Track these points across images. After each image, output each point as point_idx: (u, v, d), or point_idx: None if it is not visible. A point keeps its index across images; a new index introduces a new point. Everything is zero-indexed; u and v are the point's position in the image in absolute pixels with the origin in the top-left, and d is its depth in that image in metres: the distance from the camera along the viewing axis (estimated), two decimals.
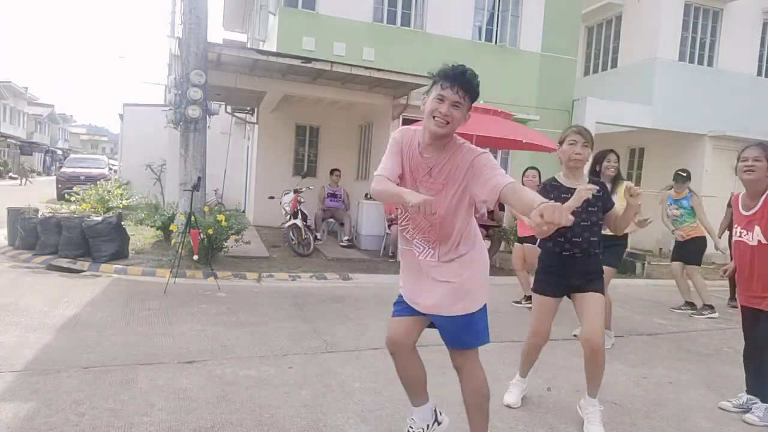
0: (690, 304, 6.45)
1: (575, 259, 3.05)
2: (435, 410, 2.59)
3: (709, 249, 6.45)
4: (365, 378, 3.51)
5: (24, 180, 26.67)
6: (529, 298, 6.08)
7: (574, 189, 2.99)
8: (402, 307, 2.41)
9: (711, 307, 6.22)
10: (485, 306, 2.33)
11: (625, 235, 4.87)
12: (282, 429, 2.74)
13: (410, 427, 2.54)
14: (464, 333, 2.31)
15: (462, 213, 2.19)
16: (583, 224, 3.01)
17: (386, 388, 3.36)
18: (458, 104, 2.09)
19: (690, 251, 6.27)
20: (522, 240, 5.92)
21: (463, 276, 2.24)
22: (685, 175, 6.24)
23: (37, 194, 14.99)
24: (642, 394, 3.62)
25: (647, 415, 3.29)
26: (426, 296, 2.29)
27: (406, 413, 3.01)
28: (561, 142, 3.11)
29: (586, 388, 3.04)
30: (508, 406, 3.23)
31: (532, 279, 5.80)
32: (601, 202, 3.07)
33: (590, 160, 3.18)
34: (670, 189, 6.37)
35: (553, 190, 3.08)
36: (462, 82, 2.09)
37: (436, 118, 2.09)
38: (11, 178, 27.29)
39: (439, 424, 2.59)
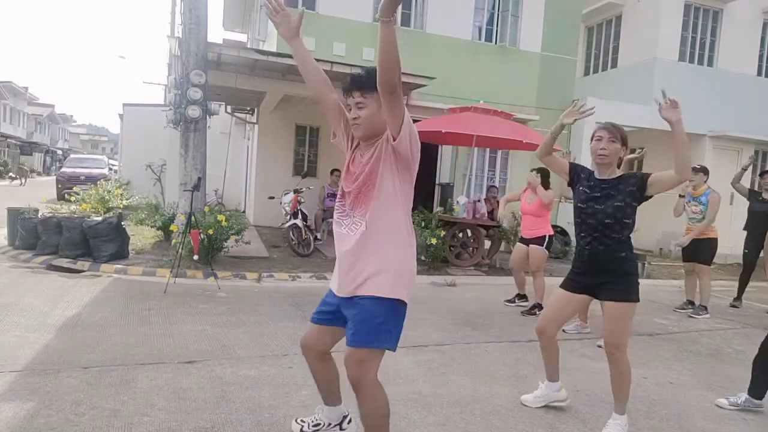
0: (690, 303, 6.49)
1: (594, 252, 2.94)
2: (345, 416, 2.61)
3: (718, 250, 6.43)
4: None
5: (23, 180, 26.66)
6: (522, 297, 6.10)
7: (601, 180, 2.95)
8: (318, 314, 2.38)
9: (705, 309, 6.27)
10: (397, 307, 2.16)
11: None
12: (282, 429, 2.74)
13: (315, 415, 2.64)
14: (360, 322, 2.12)
15: (382, 188, 2.16)
16: (607, 220, 2.89)
17: (386, 388, 3.34)
18: (361, 105, 2.18)
19: (702, 251, 6.23)
20: (526, 241, 5.87)
21: (369, 251, 2.15)
22: (699, 167, 6.22)
23: (37, 194, 14.99)
24: (642, 394, 3.62)
25: (647, 415, 3.29)
26: (340, 274, 2.24)
27: (405, 413, 3.02)
28: (591, 139, 3.02)
29: (586, 389, 3.04)
30: (522, 403, 3.25)
31: (530, 280, 5.87)
32: (631, 195, 2.86)
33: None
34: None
35: (582, 171, 3.07)
36: (352, 86, 2.19)
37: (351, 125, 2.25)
38: (11, 178, 27.27)
39: (341, 429, 2.59)
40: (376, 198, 2.16)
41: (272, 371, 3.51)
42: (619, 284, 2.88)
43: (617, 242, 2.90)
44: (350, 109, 2.21)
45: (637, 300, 2.90)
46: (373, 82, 2.12)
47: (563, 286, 3.14)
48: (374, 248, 2.16)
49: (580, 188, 3.02)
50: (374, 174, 2.16)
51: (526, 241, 5.85)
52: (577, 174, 3.09)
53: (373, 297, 2.13)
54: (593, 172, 3.04)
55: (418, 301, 6.05)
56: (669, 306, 6.61)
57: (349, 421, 2.63)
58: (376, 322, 2.11)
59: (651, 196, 2.86)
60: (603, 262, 2.94)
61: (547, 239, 5.73)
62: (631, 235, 2.96)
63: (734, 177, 7.11)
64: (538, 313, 5.76)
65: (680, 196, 6.31)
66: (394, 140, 2.11)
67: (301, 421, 2.66)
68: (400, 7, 10.40)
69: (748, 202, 7.14)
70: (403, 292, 2.17)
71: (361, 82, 2.19)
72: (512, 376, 3.76)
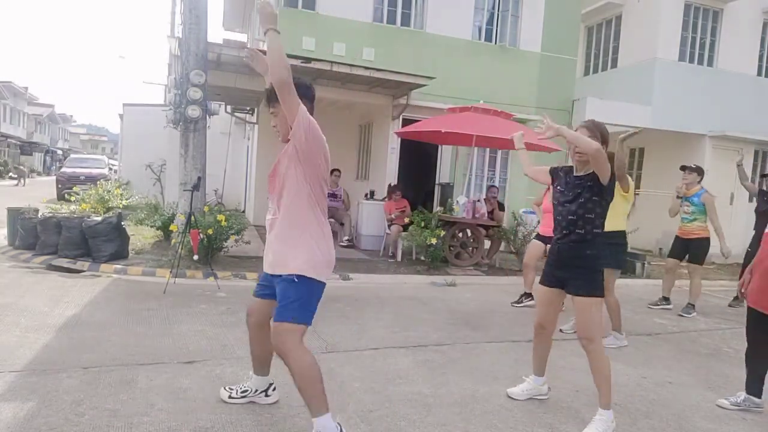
0: (665, 299, 6.52)
1: (562, 247, 3.08)
2: (270, 385, 3.01)
3: (712, 249, 6.42)
4: (365, 378, 3.51)
5: (21, 180, 26.59)
6: (529, 296, 6.07)
7: (576, 176, 3.07)
8: (259, 289, 2.80)
9: (693, 307, 6.29)
10: (309, 286, 2.51)
11: (623, 234, 4.80)
12: (282, 429, 2.74)
13: (243, 383, 3.00)
14: (279, 301, 2.51)
15: (288, 181, 2.52)
16: (570, 217, 3.01)
17: (386, 388, 3.36)
18: (274, 113, 2.59)
19: (693, 251, 6.23)
20: (546, 239, 5.64)
21: (283, 239, 2.54)
22: (694, 167, 6.19)
23: (37, 194, 14.99)
24: (642, 394, 3.62)
25: (647, 415, 3.29)
26: (265, 255, 2.66)
27: (405, 413, 3.02)
28: None
29: (586, 390, 3.05)
30: (508, 396, 3.34)
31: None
32: (590, 190, 2.97)
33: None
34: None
35: (562, 170, 3.20)
36: (265, 101, 2.63)
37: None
38: (11, 178, 27.26)
39: (266, 395, 2.99)
40: (283, 188, 2.54)
41: (272, 371, 3.49)
42: (583, 280, 3.00)
43: (583, 239, 3.01)
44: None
45: (602, 295, 3.04)
46: (275, 95, 2.46)
47: (541, 281, 3.27)
48: (284, 233, 2.53)
49: (558, 188, 3.18)
50: (279, 167, 2.55)
51: (546, 240, 5.64)
52: (557, 176, 3.24)
53: (289, 279, 2.48)
54: (571, 168, 3.16)
55: (418, 301, 6.05)
56: (672, 306, 6.58)
57: (274, 388, 3.01)
58: (289, 301, 2.48)
59: (608, 184, 2.96)
60: (570, 258, 3.06)
61: None
62: (598, 232, 3.02)
63: (740, 176, 7.10)
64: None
65: (677, 197, 6.28)
66: (290, 132, 2.45)
67: (230, 388, 3.00)
68: (400, 6, 10.52)
69: (752, 203, 7.13)
70: (311, 271, 2.50)
71: (268, 97, 2.58)
72: (512, 376, 3.75)
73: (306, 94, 2.57)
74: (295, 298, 2.48)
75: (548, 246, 5.61)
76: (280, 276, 2.53)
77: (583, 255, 3.01)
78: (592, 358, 2.99)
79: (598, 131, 3.05)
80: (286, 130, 2.55)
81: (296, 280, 2.48)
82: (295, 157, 2.49)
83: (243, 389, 2.97)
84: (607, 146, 3.08)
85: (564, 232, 3.06)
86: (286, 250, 2.51)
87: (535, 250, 5.91)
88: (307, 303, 2.52)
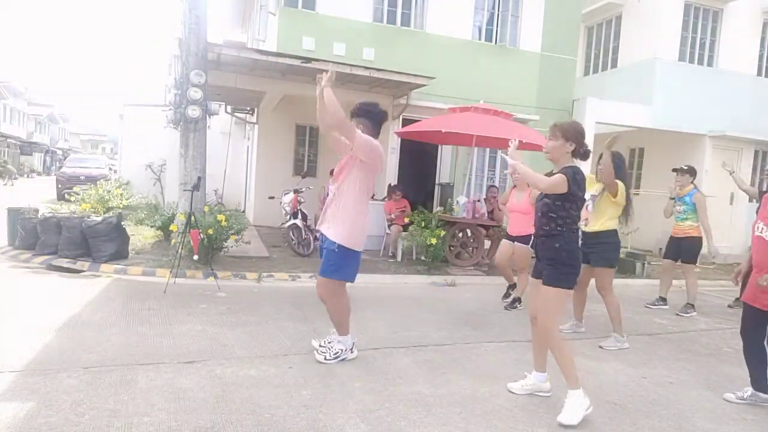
0: (662, 299, 6.51)
1: (537, 241, 3.36)
2: (354, 342, 3.85)
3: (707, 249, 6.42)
4: (365, 378, 3.51)
5: (9, 180, 26.21)
6: (514, 286, 6.09)
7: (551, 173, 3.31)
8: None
9: (693, 307, 6.28)
10: (347, 253, 3.55)
11: (613, 232, 4.77)
12: (282, 429, 2.74)
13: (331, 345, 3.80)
14: (324, 263, 3.61)
15: (348, 177, 3.61)
16: (538, 214, 3.28)
17: (386, 388, 3.37)
18: (355, 123, 3.67)
19: (686, 250, 6.27)
20: (512, 239, 5.90)
21: (336, 215, 3.60)
22: (686, 168, 6.22)
23: (30, 195, 14.97)
24: (642, 394, 3.62)
25: (647, 415, 3.29)
26: (323, 222, 3.71)
27: (405, 413, 3.02)
28: None
29: (586, 389, 3.06)
30: (508, 390, 3.45)
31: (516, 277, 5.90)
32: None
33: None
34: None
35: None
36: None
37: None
38: (11, 178, 27.09)
39: (351, 352, 3.82)
40: (344, 180, 3.62)
41: (272, 371, 3.52)
42: (551, 270, 3.19)
43: (549, 235, 3.20)
44: None
45: (567, 287, 3.21)
46: (356, 112, 3.71)
47: (531, 274, 3.49)
48: (336, 211, 3.60)
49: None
50: (345, 167, 3.63)
51: (513, 239, 5.90)
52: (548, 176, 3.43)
53: (332, 246, 3.54)
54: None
55: (418, 300, 6.05)
56: (669, 306, 6.59)
57: (355, 343, 3.86)
58: (330, 263, 3.58)
59: (566, 194, 3.11)
60: (543, 251, 3.29)
61: (532, 238, 5.75)
62: (562, 230, 3.17)
63: (737, 183, 7.01)
64: (518, 306, 5.81)
65: (671, 198, 6.31)
66: (352, 149, 3.53)
67: (325, 353, 3.76)
68: (400, 6, 10.52)
69: (753, 203, 7.10)
70: (350, 242, 3.56)
71: (352, 113, 3.69)
72: (512, 375, 3.75)
73: (366, 115, 3.66)
74: (334, 262, 3.55)
75: (516, 244, 5.80)
76: (326, 240, 3.57)
77: (551, 248, 3.20)
78: (552, 350, 3.20)
79: (560, 131, 3.21)
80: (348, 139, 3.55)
81: (336, 249, 3.51)
82: (358, 161, 3.54)
83: (334, 352, 3.82)
84: (574, 143, 3.19)
85: (536, 226, 3.34)
86: (334, 223, 3.55)
87: (505, 249, 6.03)
88: (344, 266, 3.57)
